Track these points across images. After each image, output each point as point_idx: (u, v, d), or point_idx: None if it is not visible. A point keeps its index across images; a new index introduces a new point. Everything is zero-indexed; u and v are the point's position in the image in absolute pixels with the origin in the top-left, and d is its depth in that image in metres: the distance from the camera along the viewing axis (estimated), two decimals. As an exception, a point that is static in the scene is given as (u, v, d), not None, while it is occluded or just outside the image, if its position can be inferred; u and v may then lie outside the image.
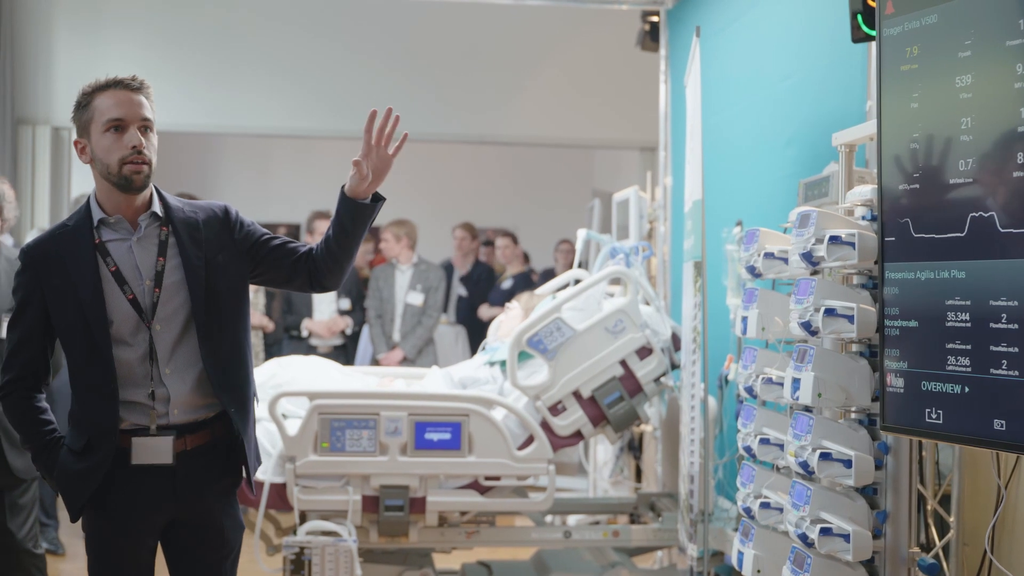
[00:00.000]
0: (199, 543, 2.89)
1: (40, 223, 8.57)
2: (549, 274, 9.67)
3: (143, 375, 2.79)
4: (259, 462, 3.02)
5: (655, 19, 6.54)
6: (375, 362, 7.40)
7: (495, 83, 9.30)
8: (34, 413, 2.86)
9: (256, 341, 7.30)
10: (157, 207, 2.82)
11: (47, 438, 2.86)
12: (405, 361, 7.21)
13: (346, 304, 7.43)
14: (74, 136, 2.82)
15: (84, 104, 2.76)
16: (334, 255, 2.85)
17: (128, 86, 2.75)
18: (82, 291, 2.75)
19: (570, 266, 7.30)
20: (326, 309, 7.38)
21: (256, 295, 7.29)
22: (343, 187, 2.80)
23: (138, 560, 2.87)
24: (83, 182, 9.19)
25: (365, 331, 7.72)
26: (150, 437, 2.78)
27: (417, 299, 7.35)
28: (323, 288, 2.93)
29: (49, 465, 2.85)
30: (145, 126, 2.75)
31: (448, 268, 8.74)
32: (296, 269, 2.90)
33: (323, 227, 7.56)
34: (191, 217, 2.85)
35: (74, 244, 2.78)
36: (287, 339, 7.39)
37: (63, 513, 6.13)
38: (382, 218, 9.07)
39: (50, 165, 8.77)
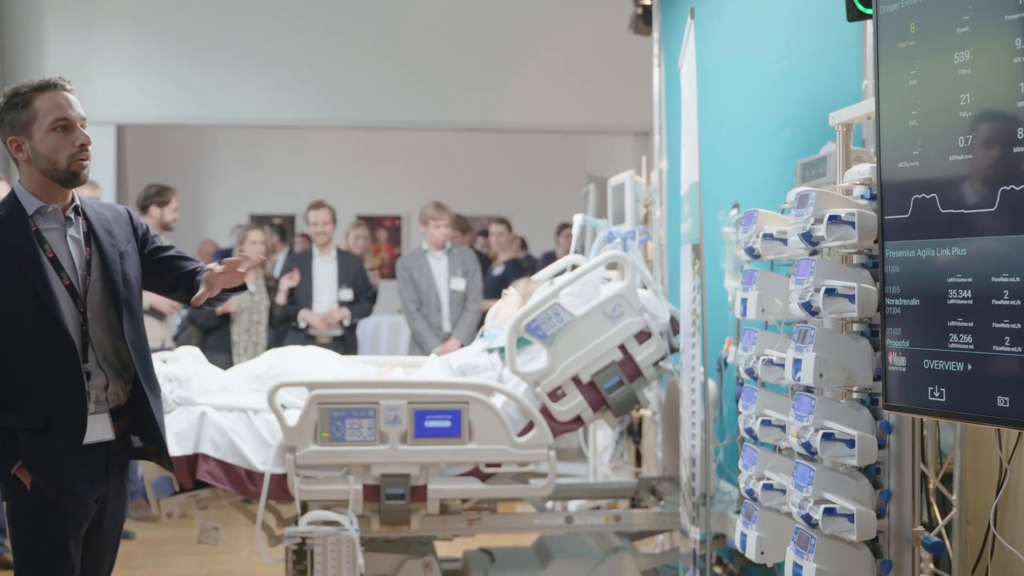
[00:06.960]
0: (110, 518, 3.08)
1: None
2: (550, 257, 9.65)
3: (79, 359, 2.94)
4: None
5: (647, 2, 6.51)
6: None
7: (487, 70, 9.28)
8: None
9: (261, 331, 7.24)
10: (78, 201, 3.03)
11: None
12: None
13: (348, 295, 7.31)
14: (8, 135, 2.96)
15: (23, 104, 2.94)
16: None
17: (64, 87, 2.98)
18: (31, 272, 2.88)
19: (573, 250, 7.28)
20: (325, 300, 7.30)
21: (257, 286, 7.24)
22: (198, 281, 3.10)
23: (76, 541, 2.97)
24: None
25: (364, 323, 7.61)
26: (92, 415, 2.94)
27: (460, 284, 7.14)
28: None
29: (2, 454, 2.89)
30: (83, 124, 2.98)
31: None
32: (178, 283, 3.17)
33: (316, 216, 7.47)
34: (101, 212, 3.08)
35: (13, 230, 2.92)
36: (289, 329, 7.34)
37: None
38: (414, 205, 8.97)
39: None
